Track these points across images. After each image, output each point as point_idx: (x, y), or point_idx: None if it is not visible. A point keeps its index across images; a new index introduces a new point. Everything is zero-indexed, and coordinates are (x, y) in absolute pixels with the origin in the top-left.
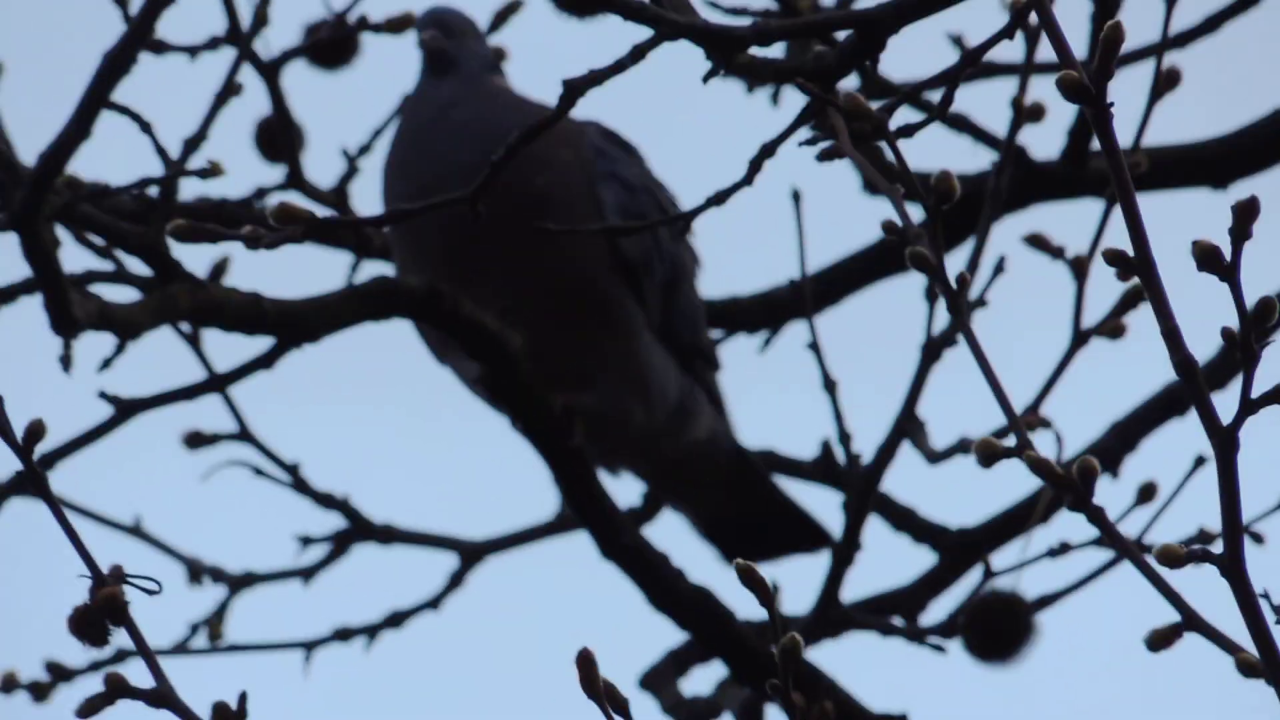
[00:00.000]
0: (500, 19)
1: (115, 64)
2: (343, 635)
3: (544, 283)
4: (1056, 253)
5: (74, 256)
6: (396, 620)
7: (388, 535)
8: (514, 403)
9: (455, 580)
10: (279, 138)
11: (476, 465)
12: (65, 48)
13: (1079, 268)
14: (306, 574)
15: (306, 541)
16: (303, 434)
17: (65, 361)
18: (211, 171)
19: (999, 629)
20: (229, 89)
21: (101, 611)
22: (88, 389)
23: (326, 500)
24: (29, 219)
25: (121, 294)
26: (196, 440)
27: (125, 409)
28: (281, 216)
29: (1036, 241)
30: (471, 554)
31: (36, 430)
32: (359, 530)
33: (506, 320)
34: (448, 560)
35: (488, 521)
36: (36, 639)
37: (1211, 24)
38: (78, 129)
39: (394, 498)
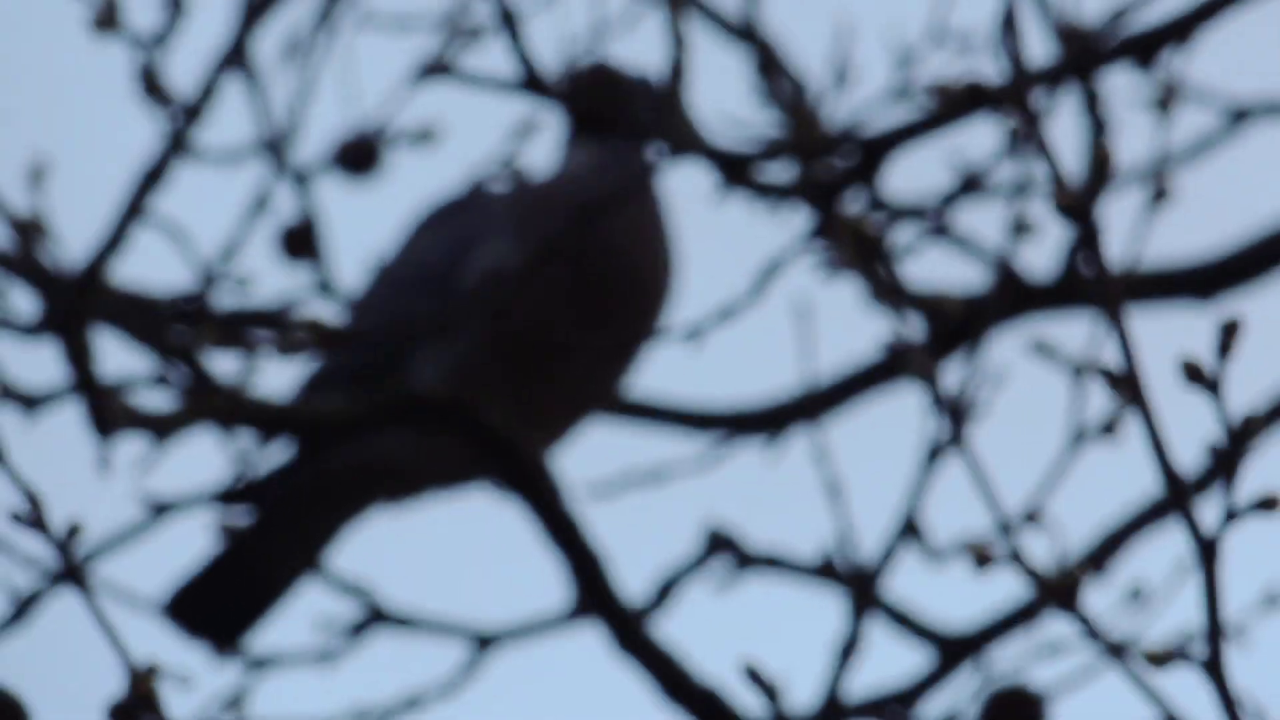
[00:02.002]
0: (522, 136)
1: (151, 177)
2: (361, 718)
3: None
4: (1059, 358)
5: (114, 360)
6: (415, 704)
7: (406, 622)
8: (531, 502)
9: (471, 667)
10: (308, 245)
11: (496, 556)
12: (105, 151)
13: (1079, 373)
14: (328, 658)
15: (328, 628)
16: None
17: (102, 463)
18: (243, 281)
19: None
20: (261, 201)
21: (137, 701)
22: (124, 488)
23: (350, 589)
24: (68, 325)
25: (158, 398)
26: (229, 535)
27: (161, 510)
28: (312, 326)
29: (1042, 349)
30: (487, 643)
31: (76, 530)
32: (378, 617)
33: (524, 427)
34: (464, 647)
35: (504, 610)
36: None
37: (1204, 146)
38: (114, 239)
39: (417, 587)
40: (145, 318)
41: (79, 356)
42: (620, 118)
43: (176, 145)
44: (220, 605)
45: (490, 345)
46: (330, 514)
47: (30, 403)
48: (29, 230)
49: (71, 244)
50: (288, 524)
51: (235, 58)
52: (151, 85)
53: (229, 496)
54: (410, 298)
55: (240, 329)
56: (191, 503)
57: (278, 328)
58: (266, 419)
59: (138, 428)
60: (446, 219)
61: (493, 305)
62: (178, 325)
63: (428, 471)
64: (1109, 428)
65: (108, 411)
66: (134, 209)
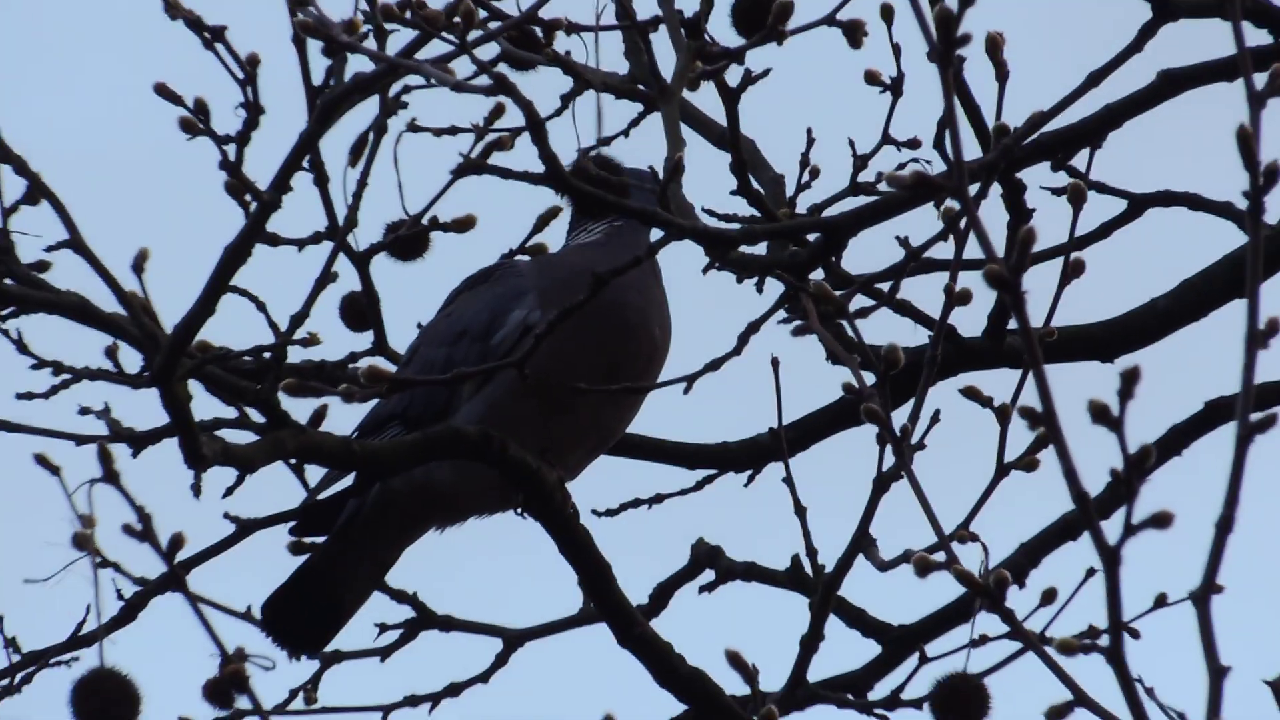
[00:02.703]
0: (542, 222)
1: (235, 255)
2: (412, 701)
3: (622, 426)
4: (986, 402)
5: (205, 406)
6: (454, 690)
7: (448, 623)
8: (550, 523)
9: (501, 661)
10: (367, 313)
11: (521, 568)
12: (197, 233)
13: (1002, 415)
14: (384, 653)
15: (384, 628)
16: None
17: (196, 490)
18: (311, 341)
19: (965, 704)
20: (326, 276)
21: (228, 682)
22: (215, 511)
23: (399, 595)
24: (166, 378)
25: (241, 437)
26: (298, 549)
27: (245, 528)
28: (370, 377)
29: (970, 393)
30: (514, 640)
31: (178, 541)
32: (425, 619)
33: (544, 459)
34: (494, 644)
35: (528, 613)
36: (175, 701)
37: (1105, 230)
38: (205, 307)
39: (456, 593)
40: (230, 371)
41: (176, 404)
42: (622, 204)
43: (256, 230)
44: (303, 615)
45: (518, 392)
46: (391, 537)
47: (137, 441)
48: (134, 303)
49: (170, 311)
50: (357, 544)
51: (306, 157)
52: (234, 177)
53: (300, 517)
54: (454, 351)
55: (309, 380)
56: (269, 523)
57: (341, 379)
58: (332, 454)
59: (226, 462)
60: (482, 286)
61: (520, 357)
62: (258, 378)
63: (467, 496)
64: (1029, 460)
65: (199, 448)
66: (219, 283)
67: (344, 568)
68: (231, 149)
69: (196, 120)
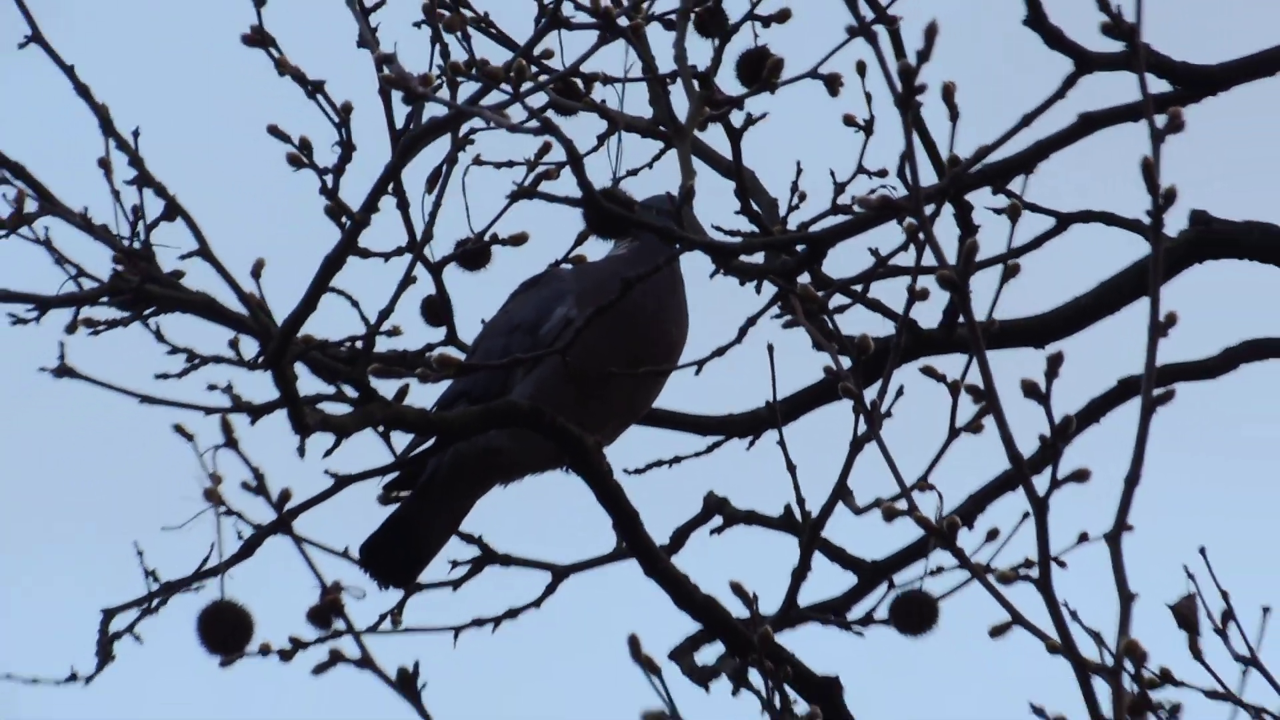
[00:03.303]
0: (582, 238)
1: (333, 263)
2: (478, 623)
3: (648, 403)
4: (941, 379)
5: (308, 384)
6: (513, 614)
7: (507, 560)
8: (589, 478)
9: (550, 590)
10: (440, 311)
11: (567, 517)
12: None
13: (954, 389)
14: (455, 584)
15: (455, 564)
16: None
17: (301, 452)
18: (395, 332)
19: (918, 611)
20: (407, 280)
21: (328, 608)
22: (317, 471)
23: (468, 538)
24: (277, 361)
25: (338, 409)
26: (386, 500)
27: (341, 482)
28: (441, 363)
29: (928, 371)
30: (561, 573)
31: (285, 495)
32: (489, 557)
33: (584, 427)
34: (545, 576)
35: (572, 551)
36: (284, 624)
37: (1037, 242)
38: (308, 305)
39: (514, 535)
40: (329, 356)
41: (285, 383)
42: (646, 221)
43: (349, 243)
44: (394, 556)
45: (562, 373)
46: (463, 491)
47: (254, 411)
48: (252, 302)
49: (280, 308)
50: (436, 499)
51: (390, 185)
52: (332, 201)
53: (389, 472)
54: (510, 341)
55: (393, 364)
56: (362, 477)
57: (419, 364)
58: (412, 422)
59: (325, 429)
60: (533, 289)
61: (563, 346)
62: (351, 362)
63: (523, 456)
64: (975, 424)
65: (304, 418)
66: (321, 286)
67: (425, 517)
68: (329, 178)
69: (301, 155)
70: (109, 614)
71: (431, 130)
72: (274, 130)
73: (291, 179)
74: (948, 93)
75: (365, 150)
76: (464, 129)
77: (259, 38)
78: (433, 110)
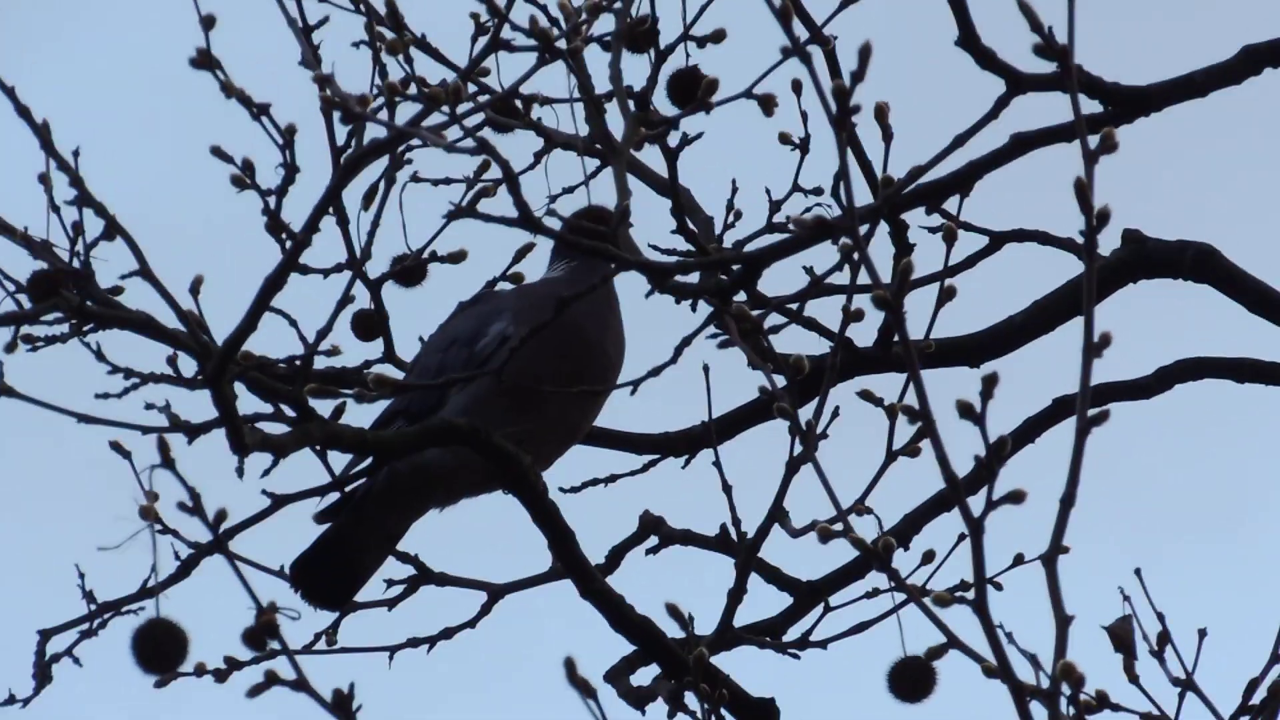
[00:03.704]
0: (519, 256)
1: (273, 283)
2: (414, 643)
3: (586, 422)
4: (877, 402)
5: (247, 403)
6: (448, 634)
7: (443, 579)
8: (525, 498)
9: (486, 610)
10: (374, 327)
11: (503, 536)
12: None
13: (890, 412)
14: (390, 604)
15: (391, 583)
16: None
17: (239, 472)
18: (334, 351)
19: (917, 682)
20: (346, 299)
21: (263, 629)
22: (254, 488)
23: (404, 557)
24: (217, 381)
25: (276, 428)
26: (322, 519)
27: (279, 501)
28: (377, 382)
29: (865, 395)
30: (496, 593)
31: (221, 515)
32: (424, 576)
33: (521, 446)
34: (480, 596)
35: (508, 571)
36: (219, 645)
37: (971, 261)
38: (248, 324)
39: (450, 555)
40: (268, 375)
41: (224, 402)
42: (582, 242)
43: (290, 263)
44: (326, 577)
45: (494, 390)
46: (398, 511)
47: (192, 431)
48: (191, 320)
49: (220, 326)
50: (370, 518)
51: (331, 206)
52: (273, 221)
53: (325, 493)
54: (445, 356)
55: (330, 384)
56: (299, 498)
57: (356, 383)
58: (350, 442)
59: (264, 449)
60: (471, 308)
61: (498, 366)
62: (290, 381)
63: (457, 476)
64: (912, 448)
65: (243, 438)
66: (261, 305)
67: (359, 537)
68: (272, 200)
69: (244, 176)
70: (45, 635)
71: (371, 152)
72: (217, 151)
73: (234, 198)
74: (881, 114)
75: (309, 169)
76: (402, 147)
77: (206, 60)
78: (373, 130)
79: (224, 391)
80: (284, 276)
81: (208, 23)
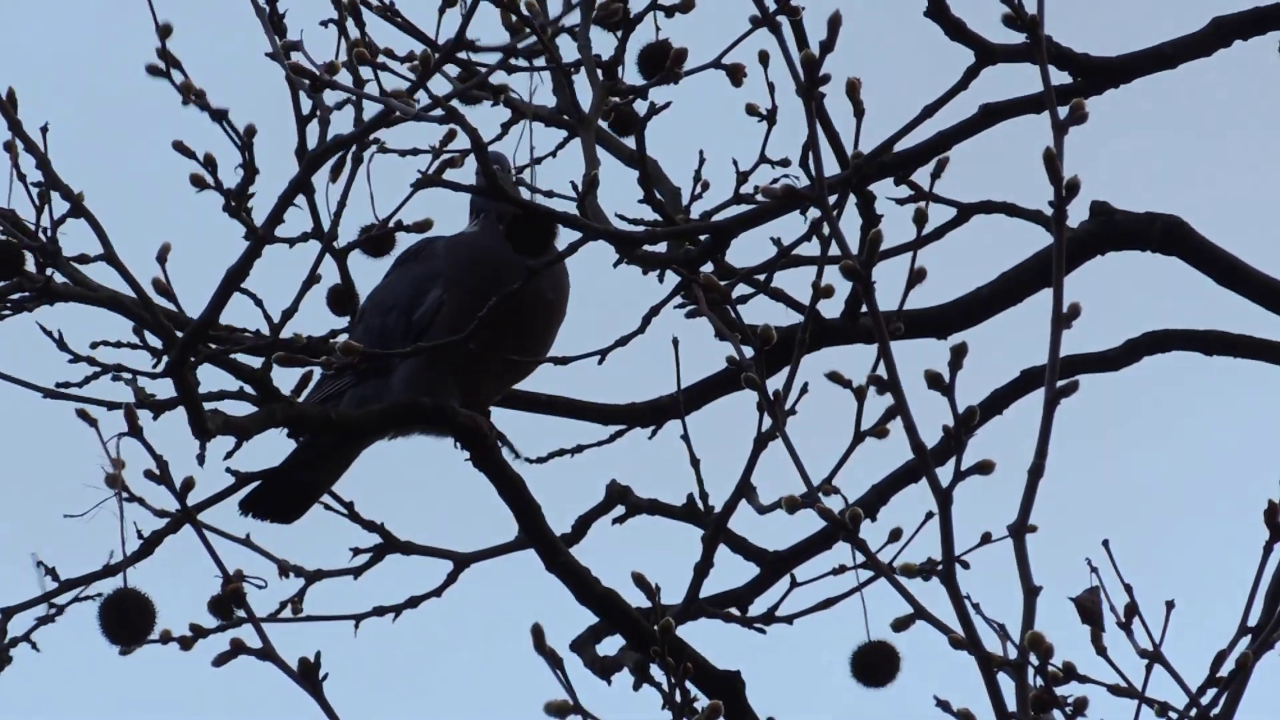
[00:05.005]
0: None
1: (235, 275)
2: (379, 611)
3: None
4: (846, 384)
5: (212, 378)
6: (414, 603)
7: (408, 548)
8: (491, 473)
9: (451, 578)
10: (346, 301)
11: (469, 505)
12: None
13: (859, 394)
14: (356, 572)
15: (356, 551)
16: (355, 482)
17: (200, 459)
18: (297, 340)
19: (879, 663)
20: (313, 276)
21: (228, 598)
22: (217, 461)
23: (369, 525)
24: (179, 370)
25: (240, 407)
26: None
27: (242, 479)
28: (345, 350)
29: (834, 377)
30: (462, 562)
31: (188, 484)
32: (390, 545)
33: (482, 419)
34: (446, 565)
35: (474, 539)
36: (186, 613)
37: (939, 232)
38: (210, 315)
39: (415, 523)
40: (234, 346)
41: (186, 390)
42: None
43: (252, 256)
44: (281, 497)
45: (435, 353)
46: (343, 455)
47: (157, 407)
48: (154, 307)
49: (188, 292)
50: (320, 452)
51: (300, 188)
52: (235, 217)
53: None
54: (386, 321)
55: (297, 353)
56: (262, 475)
57: (323, 352)
58: (314, 422)
59: (227, 432)
60: (411, 264)
61: (465, 336)
62: (258, 352)
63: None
64: (880, 429)
65: (205, 424)
66: (223, 297)
67: (309, 469)
68: (232, 197)
69: (205, 175)
70: (7, 613)
71: (335, 147)
72: (179, 146)
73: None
74: (853, 89)
75: (277, 141)
76: (371, 139)
77: (161, 70)
78: (338, 97)
79: (186, 379)
80: (247, 267)
81: (164, 32)
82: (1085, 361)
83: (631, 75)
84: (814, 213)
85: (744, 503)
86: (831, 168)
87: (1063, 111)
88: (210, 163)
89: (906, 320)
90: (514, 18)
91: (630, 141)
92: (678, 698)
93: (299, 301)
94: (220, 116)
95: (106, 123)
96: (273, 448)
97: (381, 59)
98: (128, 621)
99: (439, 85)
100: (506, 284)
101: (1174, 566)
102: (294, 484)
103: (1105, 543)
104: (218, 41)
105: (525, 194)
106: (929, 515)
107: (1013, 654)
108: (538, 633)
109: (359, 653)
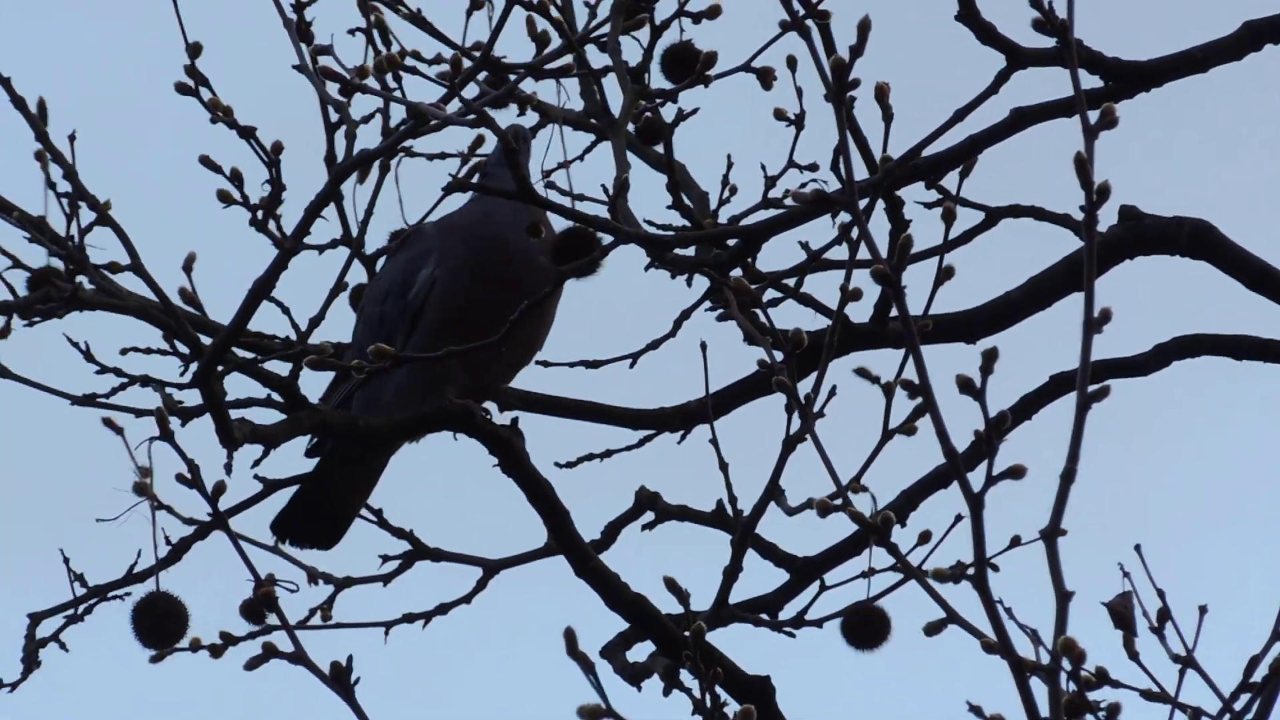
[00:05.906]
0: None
1: (262, 287)
2: (409, 618)
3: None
4: (874, 380)
5: (239, 385)
6: (444, 609)
7: (438, 555)
8: (520, 479)
9: (481, 585)
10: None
11: (498, 511)
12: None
13: (887, 390)
14: (386, 579)
15: (386, 558)
16: (383, 489)
17: (228, 468)
18: (323, 349)
19: (870, 627)
20: (340, 284)
21: (260, 602)
22: (245, 463)
23: (398, 532)
24: (205, 381)
25: (267, 414)
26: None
27: (270, 486)
28: (377, 354)
29: (862, 373)
30: (492, 569)
31: (220, 488)
32: (419, 552)
33: (510, 428)
34: (476, 572)
35: (503, 546)
36: (216, 618)
37: (968, 236)
38: (238, 327)
39: (444, 530)
40: (263, 351)
41: (213, 400)
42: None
43: (279, 269)
44: (312, 524)
45: (432, 328)
46: (369, 470)
47: (185, 414)
48: (182, 317)
49: (215, 300)
50: (348, 461)
51: (327, 200)
52: (262, 231)
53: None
54: (383, 308)
55: (328, 358)
56: (291, 483)
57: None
58: (341, 429)
59: (254, 441)
60: (401, 253)
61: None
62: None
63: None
64: (908, 426)
65: (232, 433)
66: (250, 309)
67: (338, 481)
68: (259, 213)
69: (231, 191)
70: (35, 618)
71: (364, 160)
72: (206, 161)
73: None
74: (881, 94)
75: (305, 151)
76: (397, 120)
77: (190, 88)
78: (370, 103)
79: (213, 389)
80: (273, 280)
81: (194, 50)
82: (1115, 367)
83: (655, 78)
84: (843, 217)
85: (773, 511)
86: (860, 172)
87: (1093, 116)
88: (237, 177)
89: (936, 325)
90: (539, 27)
91: (658, 147)
92: (708, 703)
93: (326, 309)
94: (248, 134)
95: (135, 134)
96: (299, 457)
97: (410, 61)
98: (161, 627)
99: (467, 89)
100: (500, 238)
101: (1206, 571)
102: (328, 507)
103: (1137, 547)
104: (246, 50)
105: (556, 197)
106: (958, 518)
107: (1045, 659)
108: (570, 637)
109: (389, 658)
